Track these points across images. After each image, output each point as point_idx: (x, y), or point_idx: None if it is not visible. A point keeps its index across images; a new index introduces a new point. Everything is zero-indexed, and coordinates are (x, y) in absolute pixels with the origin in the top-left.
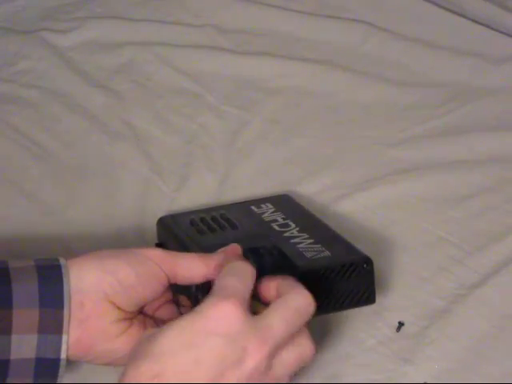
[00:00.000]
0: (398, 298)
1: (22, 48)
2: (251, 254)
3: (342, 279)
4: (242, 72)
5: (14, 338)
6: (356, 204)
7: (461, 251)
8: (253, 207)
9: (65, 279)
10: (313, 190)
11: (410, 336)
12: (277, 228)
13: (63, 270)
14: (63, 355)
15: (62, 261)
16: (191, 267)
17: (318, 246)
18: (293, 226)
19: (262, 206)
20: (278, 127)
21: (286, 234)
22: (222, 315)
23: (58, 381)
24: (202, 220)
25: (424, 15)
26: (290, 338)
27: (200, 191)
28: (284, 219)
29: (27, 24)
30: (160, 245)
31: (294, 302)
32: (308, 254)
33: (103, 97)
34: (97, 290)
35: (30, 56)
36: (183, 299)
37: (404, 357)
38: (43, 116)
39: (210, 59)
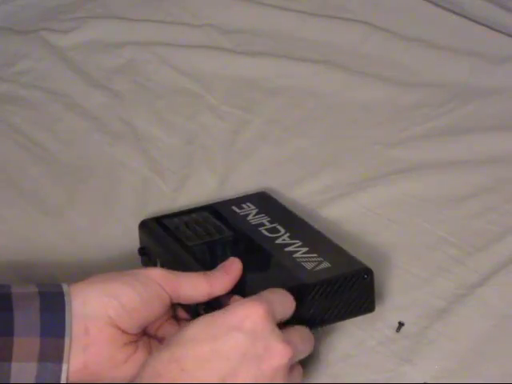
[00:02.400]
0: (398, 298)
1: (21, 48)
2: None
3: (343, 291)
4: (242, 72)
5: (14, 365)
6: (356, 204)
7: (461, 251)
8: (234, 208)
9: (67, 308)
10: (313, 189)
11: (410, 336)
12: (266, 233)
13: (66, 298)
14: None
15: (65, 287)
16: (194, 287)
17: (314, 256)
18: (282, 231)
19: (244, 206)
20: (278, 127)
21: (278, 241)
22: (248, 314)
23: None
24: (187, 225)
25: (424, 15)
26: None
27: (200, 191)
28: (270, 222)
29: (27, 24)
30: (143, 249)
31: (304, 330)
32: (308, 266)
33: (103, 97)
34: (101, 315)
35: (30, 56)
36: (180, 312)
37: (404, 357)
38: (43, 116)
39: (210, 59)
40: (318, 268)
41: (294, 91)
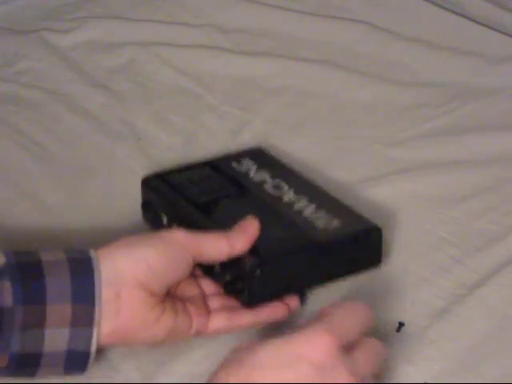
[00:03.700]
0: (398, 298)
1: (21, 48)
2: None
3: (353, 248)
4: (242, 72)
5: (48, 332)
6: (356, 204)
7: (461, 251)
8: (234, 164)
9: (96, 273)
10: None
11: (410, 336)
12: (271, 191)
13: (94, 263)
14: (93, 348)
15: (93, 253)
16: (216, 247)
17: (323, 214)
18: (285, 187)
19: (243, 161)
20: (278, 127)
21: (285, 200)
22: (318, 344)
23: (86, 372)
24: (191, 181)
25: (424, 15)
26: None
27: None
28: (272, 178)
29: (27, 24)
30: (146, 204)
31: (374, 348)
32: (318, 224)
33: (103, 97)
34: (131, 278)
35: (30, 56)
36: (197, 270)
37: (404, 357)
38: (43, 116)
39: (209, 59)
40: (329, 227)
41: (294, 91)
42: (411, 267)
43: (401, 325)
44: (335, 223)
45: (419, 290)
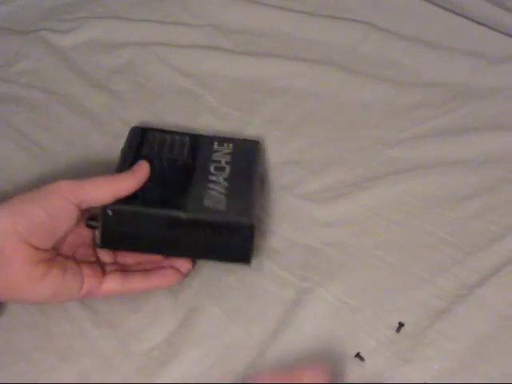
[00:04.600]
0: (398, 298)
1: (21, 48)
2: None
3: (217, 235)
4: (242, 72)
5: None
6: (356, 204)
7: (461, 251)
8: (215, 143)
9: None
10: (313, 189)
11: (410, 336)
12: (211, 169)
13: None
14: None
15: None
16: (98, 188)
17: (222, 197)
18: (226, 172)
19: (224, 144)
20: (278, 127)
21: (212, 177)
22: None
23: None
24: (162, 142)
25: (424, 15)
26: None
27: None
28: (227, 163)
29: (27, 24)
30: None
31: None
32: (206, 202)
33: (103, 97)
34: (11, 232)
35: (29, 56)
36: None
37: (404, 357)
38: (43, 116)
39: (210, 59)
40: (212, 207)
41: (294, 91)
42: (411, 267)
43: (401, 325)
44: (221, 207)
45: (419, 290)
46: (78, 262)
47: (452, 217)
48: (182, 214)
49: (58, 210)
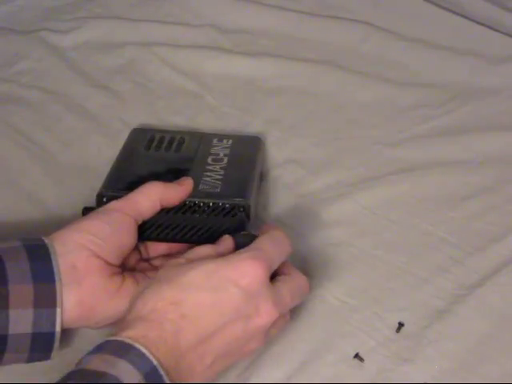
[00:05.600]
0: (398, 298)
1: (21, 48)
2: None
3: (216, 217)
4: (241, 72)
5: (12, 312)
6: (356, 204)
7: (461, 251)
8: (215, 140)
9: (52, 254)
10: (313, 189)
11: (410, 336)
12: (208, 160)
13: (48, 245)
14: (58, 328)
15: (46, 239)
16: (150, 201)
17: (218, 183)
18: (224, 162)
19: (224, 140)
20: (278, 127)
21: (209, 167)
22: (248, 271)
23: (52, 354)
24: (161, 138)
25: (424, 15)
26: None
27: None
28: (226, 155)
29: (27, 24)
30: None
31: (298, 280)
32: (201, 187)
33: (103, 97)
34: (81, 248)
35: (29, 56)
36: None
37: (404, 357)
38: (43, 116)
39: (210, 59)
40: (206, 190)
41: (294, 91)
42: (411, 267)
43: (401, 325)
44: (215, 190)
45: (419, 290)
46: (145, 272)
47: (452, 217)
48: None
49: (118, 223)
